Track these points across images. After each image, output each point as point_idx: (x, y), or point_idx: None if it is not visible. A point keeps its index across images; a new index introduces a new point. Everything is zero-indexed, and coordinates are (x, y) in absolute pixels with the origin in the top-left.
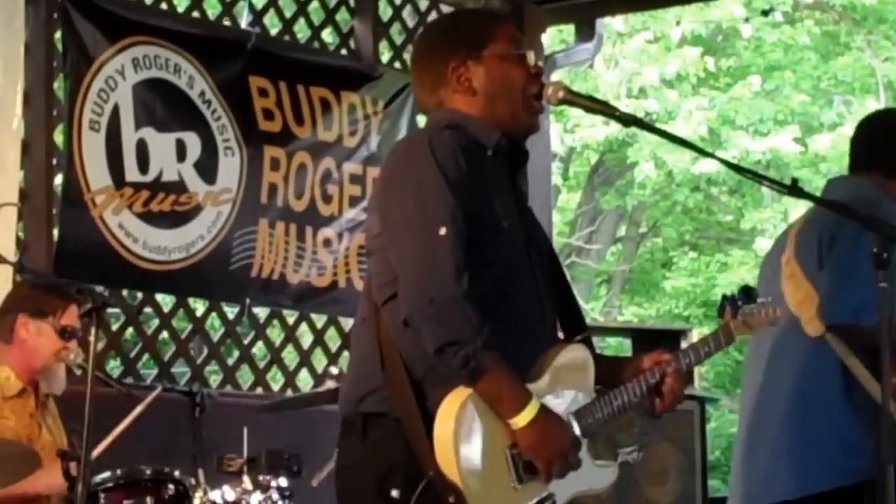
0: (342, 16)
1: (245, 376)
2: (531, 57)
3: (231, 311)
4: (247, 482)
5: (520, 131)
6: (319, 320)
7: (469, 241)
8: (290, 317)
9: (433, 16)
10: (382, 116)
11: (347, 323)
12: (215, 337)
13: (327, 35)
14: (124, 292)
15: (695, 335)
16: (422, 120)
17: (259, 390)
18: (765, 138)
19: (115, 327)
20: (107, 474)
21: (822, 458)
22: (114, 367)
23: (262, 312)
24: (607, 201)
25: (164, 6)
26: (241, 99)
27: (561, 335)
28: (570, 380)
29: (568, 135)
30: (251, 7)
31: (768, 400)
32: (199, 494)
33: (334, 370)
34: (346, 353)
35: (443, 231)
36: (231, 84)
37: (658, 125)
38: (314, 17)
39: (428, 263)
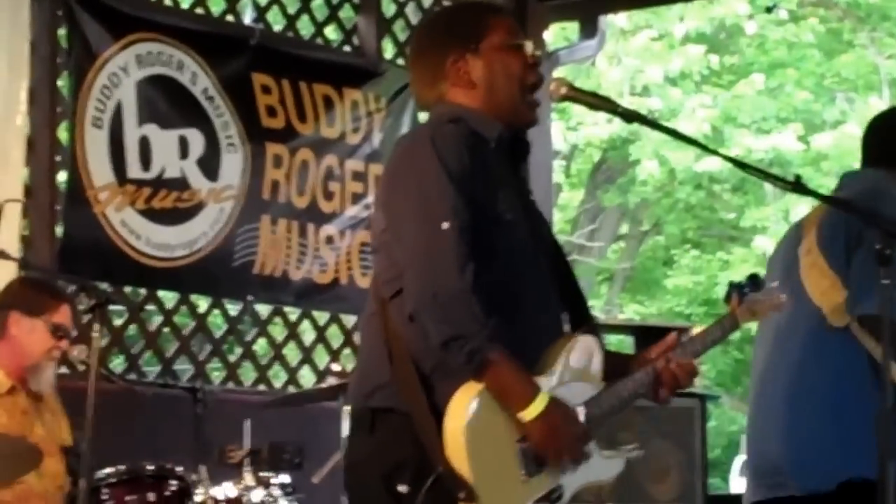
0: (345, 12)
1: (247, 373)
2: (529, 47)
3: (233, 308)
4: (248, 478)
5: (520, 122)
6: (321, 317)
7: (474, 235)
8: (293, 314)
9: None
10: (385, 113)
11: (349, 320)
12: (218, 334)
13: (330, 32)
14: (127, 289)
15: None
16: (424, 116)
17: (261, 387)
18: (767, 136)
19: (118, 324)
20: (109, 470)
21: (852, 448)
22: (117, 363)
23: (264, 309)
24: (609, 199)
25: (167, 3)
26: (244, 96)
27: (567, 328)
28: (579, 371)
29: (571, 132)
30: (254, 4)
31: (797, 390)
32: (200, 491)
33: (336, 367)
34: (347, 351)
35: (445, 225)
36: (234, 81)
37: (661, 123)
38: (317, 14)
39: (431, 258)
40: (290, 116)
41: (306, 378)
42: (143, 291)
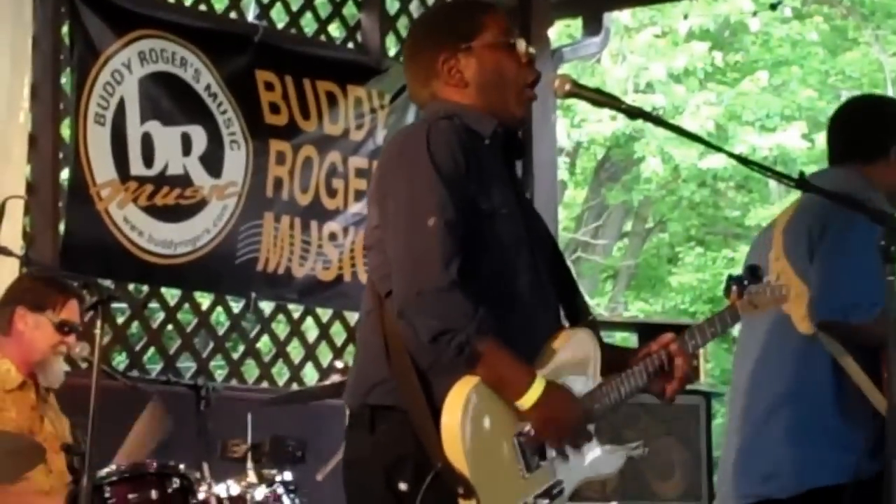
0: (349, 9)
1: (250, 370)
2: (522, 45)
3: (236, 305)
4: (251, 476)
5: (512, 121)
6: (325, 314)
7: (468, 229)
8: (296, 311)
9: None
10: (389, 110)
11: (353, 317)
12: (221, 331)
13: (334, 29)
14: (130, 286)
15: None
16: None
17: (264, 384)
18: (772, 134)
19: (120, 321)
20: (111, 468)
21: (814, 455)
22: (119, 360)
23: (267, 307)
24: (613, 196)
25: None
26: (247, 92)
27: (564, 322)
28: (576, 365)
29: (575, 129)
30: (258, 1)
31: (759, 398)
32: (203, 488)
33: (340, 364)
34: (351, 347)
35: (431, 221)
36: (237, 78)
37: (665, 119)
38: (321, 11)
39: (416, 255)
40: (293, 113)
41: (310, 375)
42: (145, 288)
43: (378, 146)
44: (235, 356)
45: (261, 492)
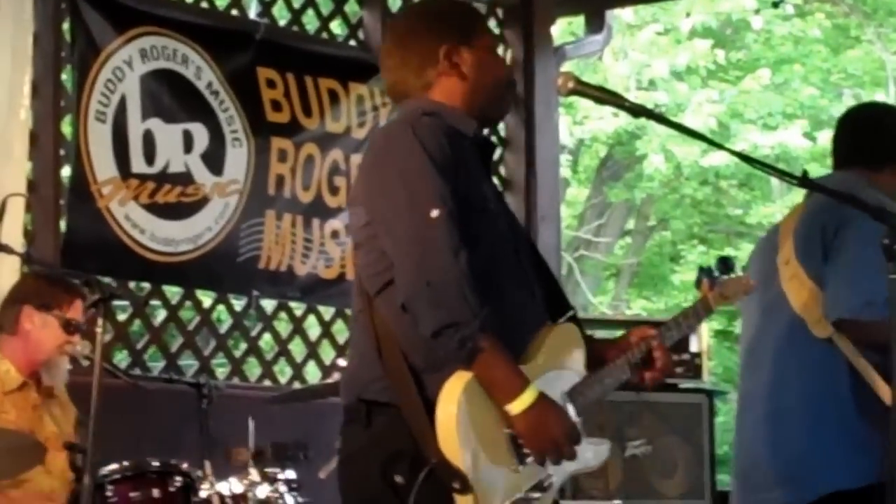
0: (351, 7)
1: (252, 368)
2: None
3: (238, 303)
4: (254, 474)
5: (490, 123)
6: (327, 312)
7: (461, 220)
8: (298, 309)
9: None
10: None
11: None
12: (223, 329)
13: (336, 26)
14: (131, 284)
15: (704, 329)
16: None
17: (266, 382)
18: (774, 132)
19: (122, 319)
20: (113, 466)
21: (833, 460)
22: (121, 358)
23: (269, 304)
24: (616, 194)
25: None
26: (248, 90)
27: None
28: (562, 359)
29: (577, 126)
30: None
31: (778, 403)
32: (205, 486)
33: (342, 362)
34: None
35: (435, 213)
36: (239, 75)
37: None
38: (323, 8)
39: (423, 246)
40: (295, 111)
41: (312, 373)
42: (147, 286)
43: None
44: (237, 354)
45: (263, 490)
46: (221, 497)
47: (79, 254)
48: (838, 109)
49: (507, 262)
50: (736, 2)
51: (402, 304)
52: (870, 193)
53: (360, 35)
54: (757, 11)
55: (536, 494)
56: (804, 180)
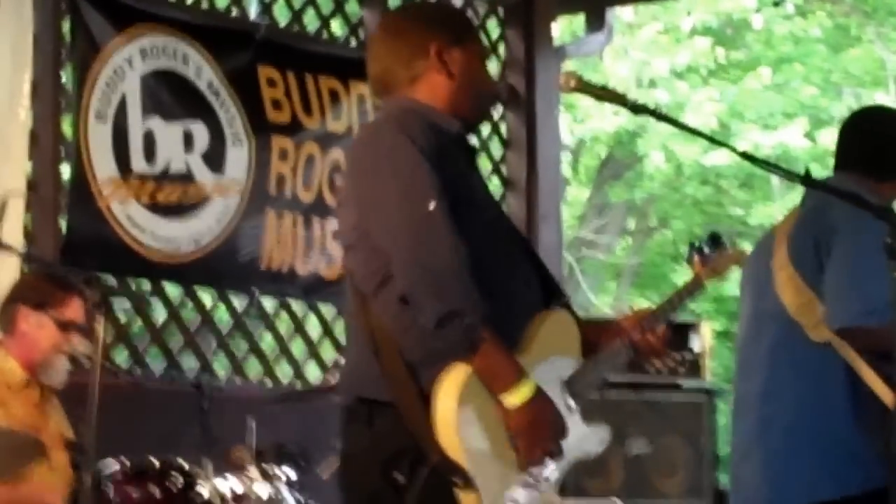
0: (351, 6)
1: (253, 368)
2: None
3: (239, 303)
4: (255, 474)
5: (470, 126)
6: (328, 312)
7: (453, 212)
8: (299, 308)
9: None
10: None
11: None
12: (223, 328)
13: (336, 26)
14: (132, 283)
15: (705, 329)
16: None
17: (267, 382)
18: (774, 132)
19: (122, 318)
20: (114, 465)
21: (829, 466)
22: (121, 358)
23: (270, 304)
24: (616, 194)
25: None
26: (249, 89)
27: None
28: (558, 346)
29: (578, 126)
30: None
31: (772, 408)
32: (206, 486)
33: (343, 361)
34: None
35: (431, 205)
36: (239, 74)
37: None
38: (323, 8)
39: (422, 238)
40: (295, 110)
41: (312, 373)
42: (147, 286)
43: None
44: (238, 354)
45: (264, 489)
46: (222, 496)
47: (79, 253)
48: (838, 109)
49: (497, 252)
50: (737, 1)
51: (403, 296)
52: (869, 195)
53: (361, 34)
54: (758, 10)
55: (539, 484)
56: (806, 179)
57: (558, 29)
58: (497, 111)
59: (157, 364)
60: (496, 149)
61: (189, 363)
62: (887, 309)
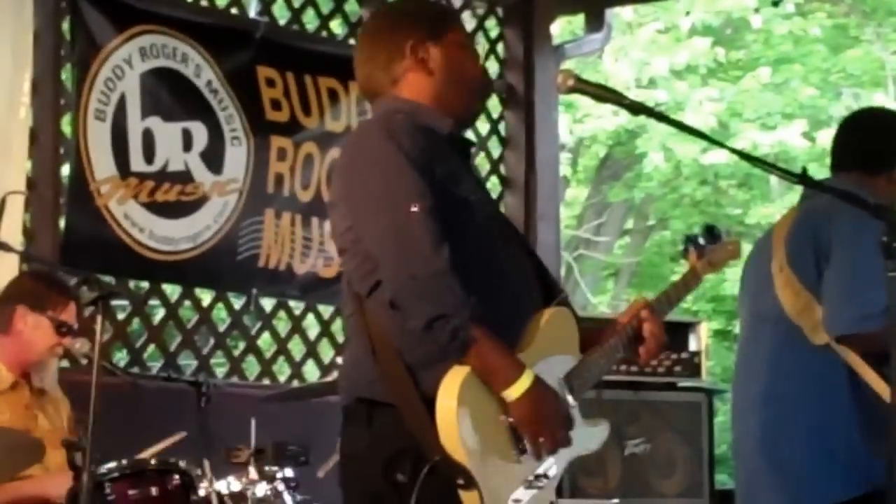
0: (351, 6)
1: (251, 367)
2: (479, 57)
3: (237, 302)
4: (252, 473)
5: (463, 121)
6: (326, 311)
7: (441, 215)
8: (297, 308)
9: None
10: None
11: None
12: (222, 327)
13: (336, 25)
14: (130, 282)
15: (702, 328)
16: None
17: (265, 381)
18: (773, 132)
19: (121, 317)
20: (112, 464)
21: (831, 468)
22: (120, 357)
23: (268, 303)
24: (615, 194)
25: None
26: (248, 89)
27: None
28: (557, 344)
29: (577, 125)
30: None
31: (773, 411)
32: (204, 485)
33: (341, 361)
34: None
35: (414, 208)
36: (239, 74)
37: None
38: (323, 7)
39: (404, 242)
40: (294, 110)
41: (311, 372)
42: (146, 285)
43: None
44: (236, 353)
45: (262, 488)
46: (220, 495)
47: (78, 252)
48: (837, 109)
49: (494, 251)
50: (736, 0)
51: (391, 301)
52: (867, 195)
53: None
54: (757, 10)
55: (541, 483)
56: (804, 179)
57: (557, 28)
58: (496, 111)
59: (155, 363)
60: (495, 148)
61: (187, 362)
62: (883, 313)
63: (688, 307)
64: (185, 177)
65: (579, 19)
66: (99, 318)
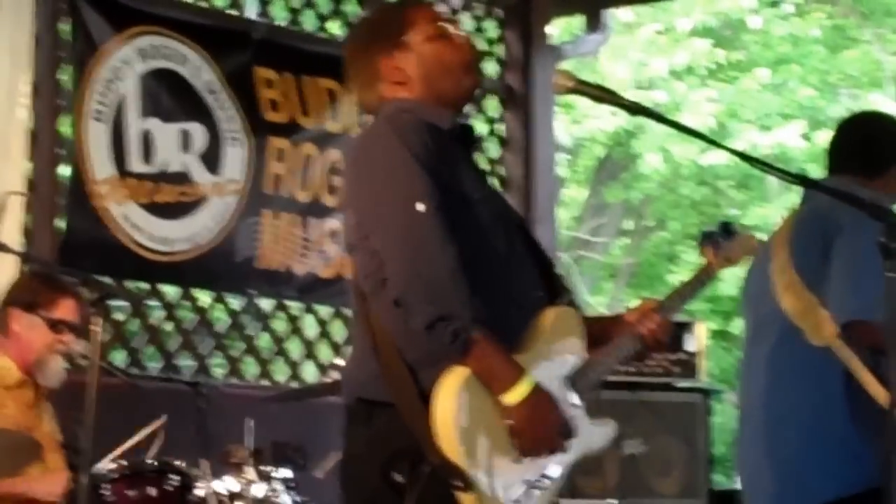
0: (349, 7)
1: (250, 368)
2: (451, 28)
3: (236, 303)
4: (251, 473)
5: (461, 101)
6: (325, 312)
7: (447, 214)
8: (295, 309)
9: (441, 8)
10: None
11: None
12: (220, 328)
13: (334, 26)
14: (129, 283)
15: (700, 329)
16: None
17: (264, 382)
18: (771, 132)
19: (119, 318)
20: (110, 465)
21: (827, 468)
22: (119, 358)
23: (266, 304)
24: (613, 194)
25: None
26: (247, 90)
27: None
28: (562, 343)
29: (575, 126)
30: None
31: (772, 412)
32: (202, 485)
33: (339, 362)
34: (351, 346)
35: (421, 207)
36: (237, 75)
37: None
38: (321, 8)
39: (411, 241)
40: (293, 110)
41: (309, 373)
42: (144, 286)
43: None
44: (235, 354)
45: (260, 489)
46: (218, 496)
47: (76, 253)
48: (836, 110)
49: (500, 249)
50: (735, 1)
51: (395, 299)
52: (864, 193)
53: None
54: (756, 11)
55: (543, 483)
56: (803, 179)
57: (556, 29)
58: (495, 111)
59: (153, 364)
60: (493, 149)
61: (186, 363)
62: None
63: (685, 307)
64: (183, 178)
65: (578, 20)
66: (97, 319)
